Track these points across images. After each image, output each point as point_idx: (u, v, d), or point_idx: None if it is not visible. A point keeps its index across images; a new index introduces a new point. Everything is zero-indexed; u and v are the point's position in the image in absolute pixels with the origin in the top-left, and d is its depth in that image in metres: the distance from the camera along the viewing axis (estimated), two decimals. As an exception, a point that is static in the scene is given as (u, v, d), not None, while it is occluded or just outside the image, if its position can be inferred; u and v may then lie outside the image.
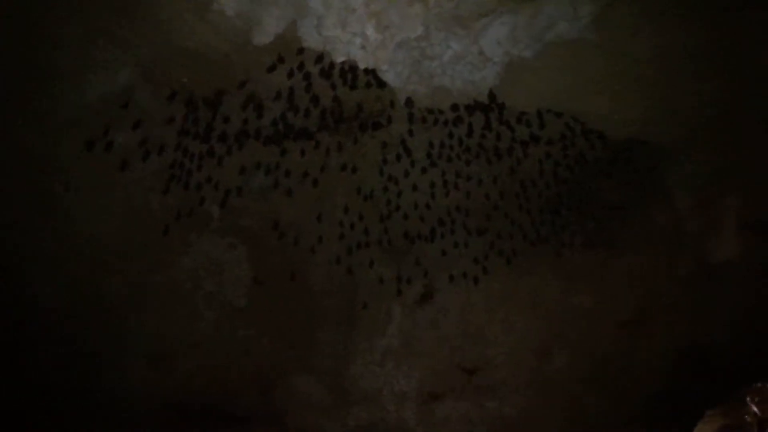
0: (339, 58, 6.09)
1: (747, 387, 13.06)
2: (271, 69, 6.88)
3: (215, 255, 8.53)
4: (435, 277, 9.21)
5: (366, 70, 6.70)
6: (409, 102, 6.66)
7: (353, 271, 8.99)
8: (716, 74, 6.13)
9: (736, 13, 5.56)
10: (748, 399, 14.65)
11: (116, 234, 7.78)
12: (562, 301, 9.38)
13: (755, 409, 15.34)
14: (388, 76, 6.19)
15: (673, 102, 6.53)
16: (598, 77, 6.30)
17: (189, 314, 8.63)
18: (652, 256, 8.78)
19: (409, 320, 9.42)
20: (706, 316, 8.72)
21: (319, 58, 6.69)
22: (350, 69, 6.99)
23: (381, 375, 9.49)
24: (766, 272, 8.14)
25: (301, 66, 6.91)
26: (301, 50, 6.62)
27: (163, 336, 8.56)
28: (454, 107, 7.29)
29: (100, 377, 8.40)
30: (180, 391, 8.81)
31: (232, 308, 8.80)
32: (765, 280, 8.24)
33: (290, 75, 6.98)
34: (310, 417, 9.43)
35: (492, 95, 6.47)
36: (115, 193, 7.60)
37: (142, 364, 8.55)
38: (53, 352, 8.00)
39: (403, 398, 9.53)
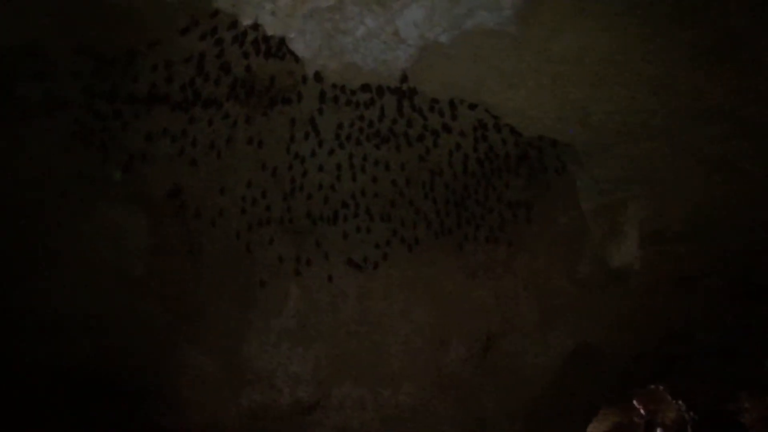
0: (246, 21, 5.87)
1: (638, 389, 13.46)
2: (185, 31, 6.68)
3: (115, 221, 8.23)
4: (335, 260, 9.10)
5: (279, 42, 6.55)
6: (317, 76, 6.49)
7: (252, 248, 8.85)
8: (631, 81, 6.11)
9: (657, 27, 5.55)
10: (635, 402, 15.12)
11: (9, 192, 7.44)
12: (461, 294, 9.42)
13: (642, 410, 15.81)
14: (298, 46, 5.97)
15: (586, 106, 6.50)
16: (514, 71, 6.22)
17: (83, 282, 8.29)
18: (553, 257, 8.88)
19: (307, 302, 9.33)
20: (601, 319, 8.85)
21: (233, 24, 6.54)
22: (264, 39, 6.84)
23: (276, 356, 9.35)
24: (663, 281, 8.27)
25: (214, 30, 6.73)
26: (215, 13, 6.44)
27: (55, 304, 8.23)
28: (365, 87, 7.20)
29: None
30: (70, 364, 8.51)
31: (129, 278, 8.50)
32: (661, 288, 8.37)
33: (202, 38, 6.79)
34: (202, 395, 9.22)
35: (404, 77, 6.35)
36: (14, 149, 7.27)
37: (30, 333, 8.21)
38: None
39: (297, 381, 9.41)
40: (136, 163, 7.94)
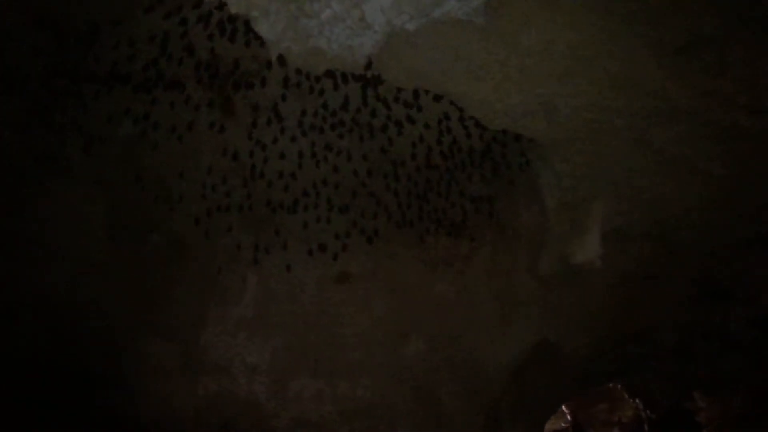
0: (209, -2, 5.82)
1: (598, 386, 13.58)
2: (149, 10, 6.58)
3: (73, 204, 8.03)
4: (294, 249, 9.00)
5: (245, 24, 6.46)
6: (281, 59, 6.40)
7: (210, 234, 8.73)
8: (597, 77, 6.11)
9: (624, 24, 5.56)
10: (563, 408, 15.30)
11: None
12: (422, 288, 9.37)
13: (569, 416, 16.08)
14: (261, 27, 5.88)
15: (552, 100, 6.51)
16: (481, 63, 6.19)
17: (37, 266, 8.12)
18: (515, 252, 8.87)
19: (265, 291, 9.24)
20: (562, 316, 8.88)
21: (198, 3, 6.44)
22: (229, 21, 6.74)
23: (233, 345, 9.25)
24: (624, 278, 8.30)
25: (179, 9, 6.63)
26: None
27: (9, 288, 8.05)
28: (330, 74, 7.13)
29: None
30: (23, 349, 8.35)
31: (87, 263, 8.34)
32: (622, 287, 8.41)
33: (167, 17, 6.69)
34: (157, 383, 9.11)
35: (369, 64, 6.28)
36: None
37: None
38: None
39: (254, 371, 9.31)
40: (95, 145, 7.78)
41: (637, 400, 13.53)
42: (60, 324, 8.45)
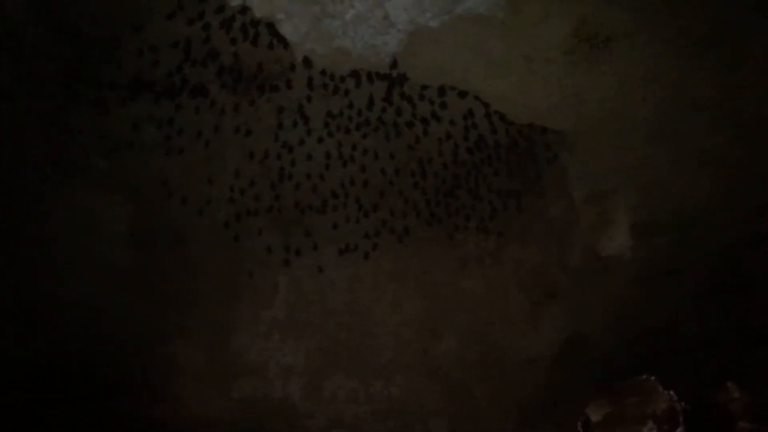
0: (234, 2, 5.84)
1: (631, 378, 13.45)
2: (171, 16, 6.62)
3: (97, 210, 8.08)
4: (324, 250, 9.02)
5: (268, 27, 6.49)
6: (306, 61, 6.45)
7: (240, 238, 8.77)
8: (621, 69, 6.11)
9: (645, 18, 5.55)
10: (596, 401, 15.10)
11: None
12: (452, 285, 9.35)
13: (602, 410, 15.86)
14: (285, 29, 5.99)
15: (577, 92, 6.53)
16: (504, 57, 6.24)
17: (64, 272, 8.13)
18: (544, 246, 8.80)
19: (297, 293, 9.26)
20: (590, 309, 8.81)
21: (220, 8, 6.49)
22: (252, 24, 6.78)
23: (266, 348, 9.31)
24: (651, 272, 8.24)
25: (201, 15, 6.68)
26: None
27: (34, 295, 8.08)
28: (355, 74, 7.14)
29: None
30: (55, 356, 8.37)
31: (112, 269, 8.35)
32: (649, 280, 8.35)
33: (189, 23, 6.74)
34: (191, 388, 9.13)
35: (394, 63, 6.31)
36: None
37: (13, 325, 8.08)
38: None
39: (289, 373, 9.36)
40: (120, 152, 7.83)
41: (671, 392, 13.39)
42: (89, 330, 8.49)
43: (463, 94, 7.41)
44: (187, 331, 8.95)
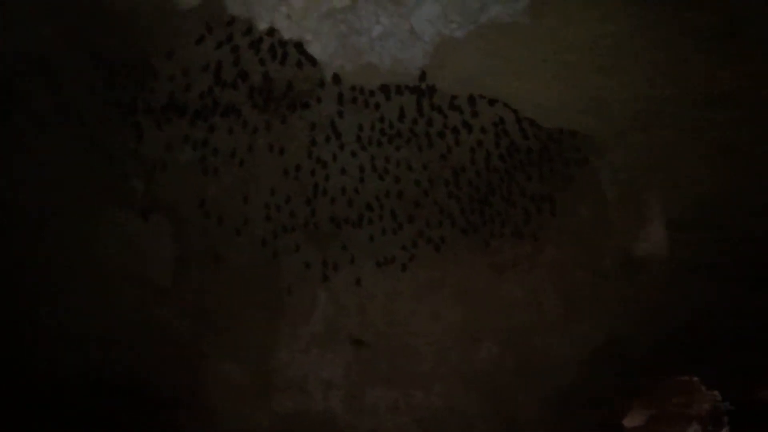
0: (262, 26, 5.95)
1: (673, 379, 13.32)
2: (200, 40, 6.77)
3: (137, 232, 8.30)
4: (362, 263, 9.10)
5: (296, 46, 6.60)
6: (336, 78, 6.55)
7: (278, 254, 8.88)
8: (643, 68, 6.13)
9: (665, 13, 5.56)
10: (637, 403, 14.91)
11: (30, 205, 7.51)
12: (490, 292, 9.38)
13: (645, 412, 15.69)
14: (314, 49, 6.05)
15: (603, 94, 6.53)
16: (531, 64, 6.26)
17: (109, 293, 8.36)
18: (578, 249, 8.83)
19: (335, 306, 9.35)
20: (628, 310, 8.83)
21: (248, 30, 6.60)
22: (280, 44, 6.89)
23: (306, 362, 9.40)
24: (688, 268, 8.22)
25: (229, 38, 6.81)
26: (231, 21, 6.53)
27: (79, 315, 8.29)
28: (384, 88, 7.23)
29: (17, 360, 8.12)
30: (98, 374, 8.57)
31: (154, 288, 8.57)
32: (687, 276, 8.33)
33: (218, 47, 6.88)
34: (234, 404, 9.30)
35: (423, 75, 6.39)
36: (31, 162, 7.33)
37: (57, 344, 8.28)
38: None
39: (329, 386, 9.46)
40: (156, 174, 8.01)
41: (715, 392, 13.23)
42: (131, 350, 8.67)
43: (492, 102, 7.46)
44: (228, 347, 9.10)
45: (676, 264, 8.12)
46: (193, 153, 8.04)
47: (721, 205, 7.40)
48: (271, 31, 6.11)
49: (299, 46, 6.43)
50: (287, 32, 5.90)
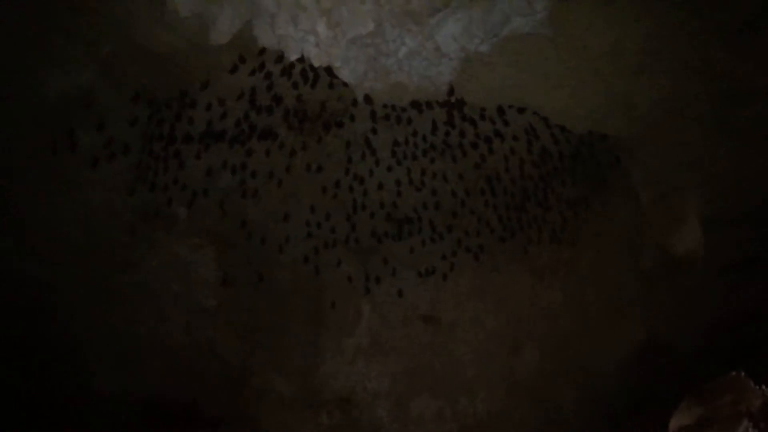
0: (293, 56, 6.13)
1: (720, 377, 13.14)
2: (233, 70, 6.96)
3: (183, 256, 8.50)
4: (403, 274, 9.24)
5: (326, 69, 6.75)
6: (367, 99, 6.71)
7: (321, 270, 9.05)
8: (670, 67, 6.18)
9: (686, 11, 5.62)
10: (686, 403, 14.62)
11: (81, 236, 7.73)
12: (530, 297, 9.42)
13: (694, 412, 15.39)
14: (344, 73, 6.23)
15: (630, 96, 6.59)
16: (555, 72, 6.36)
17: (157, 316, 8.58)
18: (616, 251, 8.77)
19: (379, 318, 9.48)
20: (669, 310, 8.76)
21: (279, 57, 6.78)
22: (311, 68, 7.07)
23: (352, 374, 9.52)
24: (728, 265, 8.19)
25: (262, 66, 7.00)
26: (262, 51, 6.71)
27: (131, 338, 8.49)
28: (415, 104, 7.35)
29: (67, 382, 8.33)
30: (150, 394, 8.73)
31: (200, 309, 8.77)
32: (726, 274, 8.29)
33: (252, 74, 7.05)
34: (282, 418, 9.39)
35: (451, 90, 6.53)
36: (79, 195, 7.55)
37: (110, 367, 8.48)
38: (15, 357, 7.93)
39: (375, 397, 9.56)
40: (198, 200, 8.23)
41: (764, 387, 12.96)
42: (181, 368, 8.85)
43: (521, 110, 7.55)
44: (275, 363, 9.24)
45: (719, 261, 8.09)
46: (232, 177, 8.24)
47: (759, 200, 7.36)
48: (302, 58, 6.28)
49: (329, 70, 6.59)
50: (317, 60, 6.09)
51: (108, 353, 8.40)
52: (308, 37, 5.93)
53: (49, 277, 7.69)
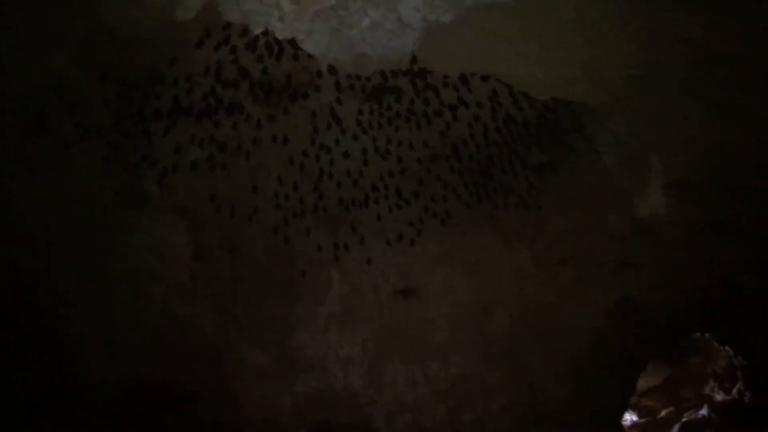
0: (257, 30, 6.14)
1: (687, 338, 13.32)
2: (199, 44, 6.95)
3: (156, 233, 8.51)
4: (371, 242, 9.30)
5: (290, 42, 6.75)
6: (331, 69, 6.74)
7: (290, 240, 9.08)
8: (633, 35, 6.23)
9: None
10: (655, 363, 14.79)
11: (56, 217, 7.72)
12: (499, 262, 9.54)
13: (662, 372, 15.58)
14: (308, 46, 6.26)
15: (594, 64, 6.64)
16: (519, 40, 6.40)
17: (133, 293, 8.62)
18: (584, 215, 8.90)
19: (349, 286, 9.56)
20: (639, 272, 8.90)
21: (244, 31, 6.75)
22: (276, 41, 7.05)
23: (325, 342, 9.62)
24: (696, 227, 8.30)
25: (227, 40, 6.97)
26: (227, 25, 6.69)
27: (109, 317, 8.54)
28: (379, 73, 7.36)
29: (48, 362, 8.34)
30: (130, 371, 8.78)
31: (176, 285, 8.81)
32: (696, 235, 8.41)
33: (217, 48, 7.04)
34: (259, 388, 9.52)
35: (413, 59, 6.55)
36: (53, 176, 7.53)
37: (90, 346, 8.50)
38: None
39: (348, 363, 9.68)
40: (168, 175, 8.22)
41: (727, 348, 13.13)
42: (158, 346, 8.89)
43: (485, 78, 7.60)
44: (250, 334, 9.30)
45: (688, 223, 8.22)
46: (200, 151, 8.22)
47: (725, 163, 7.50)
48: (266, 31, 6.28)
49: (294, 42, 6.59)
50: (281, 34, 6.11)
51: (87, 334, 8.41)
52: (272, 11, 5.93)
53: (25, 261, 7.67)
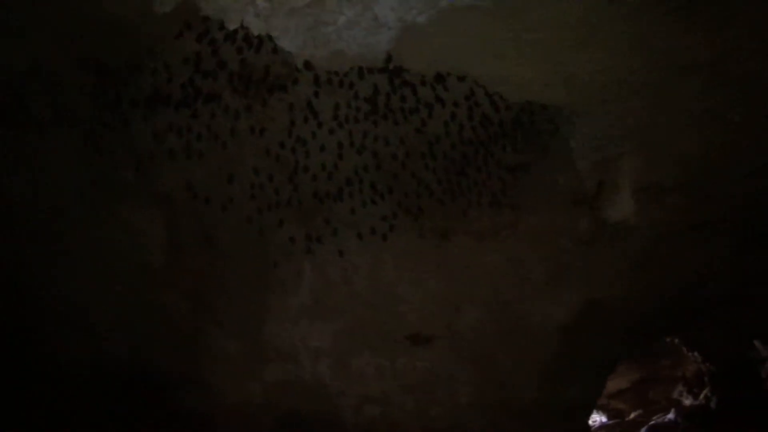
0: (233, 26, 6.19)
1: (657, 342, 13.47)
2: (178, 36, 6.99)
3: (131, 221, 8.55)
4: (344, 235, 9.35)
5: (267, 36, 6.80)
6: (308, 65, 6.80)
7: (264, 231, 9.11)
8: (610, 41, 6.32)
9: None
10: (625, 366, 14.94)
11: (30, 202, 7.75)
12: (470, 260, 9.62)
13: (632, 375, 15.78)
14: (283, 42, 6.30)
15: (569, 68, 6.72)
16: (493, 43, 6.46)
17: (106, 280, 8.66)
18: (556, 216, 9.02)
19: (321, 278, 9.61)
20: (609, 276, 9.02)
21: (222, 25, 6.78)
22: (254, 35, 7.10)
23: (295, 332, 9.72)
24: (667, 232, 8.42)
25: (206, 32, 7.01)
26: (205, 19, 6.72)
27: (82, 303, 8.59)
28: (356, 69, 7.43)
29: (20, 348, 8.37)
30: (102, 357, 8.84)
31: (150, 273, 8.86)
32: (665, 241, 8.54)
33: (197, 40, 7.09)
34: (228, 376, 9.64)
35: (389, 58, 6.62)
36: (28, 161, 7.57)
37: (61, 332, 8.55)
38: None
39: (317, 354, 9.80)
40: (145, 163, 8.27)
41: (696, 353, 13.29)
42: (131, 332, 8.98)
43: (462, 78, 7.66)
44: (221, 323, 9.39)
45: (659, 227, 8.34)
46: (178, 140, 8.24)
47: (700, 168, 7.70)
48: (243, 27, 6.34)
49: (270, 37, 6.65)
50: (256, 29, 6.16)
51: (58, 318, 8.48)
52: (248, 8, 5.97)
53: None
